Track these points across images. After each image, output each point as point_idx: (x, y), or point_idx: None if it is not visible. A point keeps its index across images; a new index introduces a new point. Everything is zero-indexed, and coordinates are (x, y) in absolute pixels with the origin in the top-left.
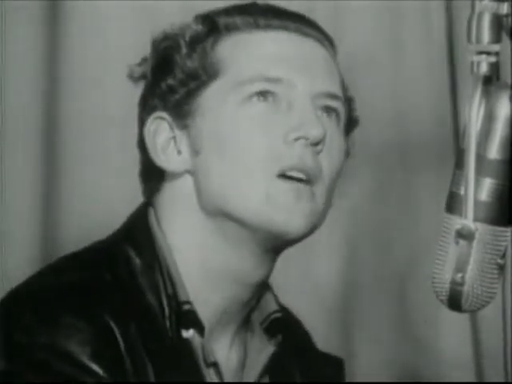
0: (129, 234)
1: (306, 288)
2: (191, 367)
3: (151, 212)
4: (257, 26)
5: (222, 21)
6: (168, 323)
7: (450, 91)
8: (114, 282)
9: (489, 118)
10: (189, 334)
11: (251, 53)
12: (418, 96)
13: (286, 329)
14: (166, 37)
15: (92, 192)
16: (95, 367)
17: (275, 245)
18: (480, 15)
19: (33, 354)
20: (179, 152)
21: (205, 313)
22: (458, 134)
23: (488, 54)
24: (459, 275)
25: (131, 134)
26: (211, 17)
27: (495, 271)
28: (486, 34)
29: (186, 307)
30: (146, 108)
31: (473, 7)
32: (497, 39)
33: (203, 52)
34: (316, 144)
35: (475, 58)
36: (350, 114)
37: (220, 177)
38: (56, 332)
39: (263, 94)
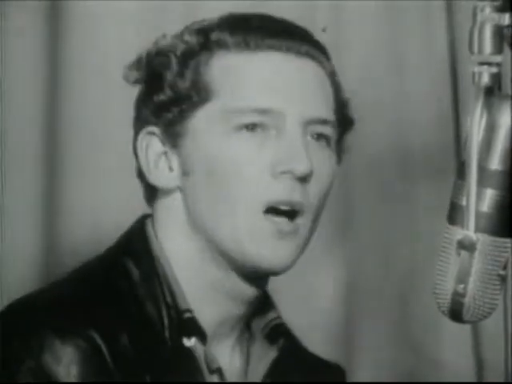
0: (127, 246)
1: (306, 300)
2: (194, 375)
3: (149, 223)
4: (247, 46)
5: (214, 36)
6: (167, 333)
7: (451, 102)
8: (110, 295)
9: (490, 129)
10: (191, 342)
11: (241, 79)
12: (419, 107)
13: (286, 334)
14: (158, 51)
15: (94, 205)
16: None
17: (260, 274)
18: (482, 26)
19: (18, 378)
20: (170, 168)
21: (203, 323)
22: (459, 145)
23: (489, 64)
24: (461, 286)
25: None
26: (204, 31)
27: (497, 282)
28: (488, 45)
29: (187, 315)
30: (139, 118)
31: (474, 18)
32: (498, 50)
33: (195, 71)
34: (303, 178)
35: (477, 69)
36: (343, 127)
37: (207, 203)
38: (41, 355)
39: (252, 126)
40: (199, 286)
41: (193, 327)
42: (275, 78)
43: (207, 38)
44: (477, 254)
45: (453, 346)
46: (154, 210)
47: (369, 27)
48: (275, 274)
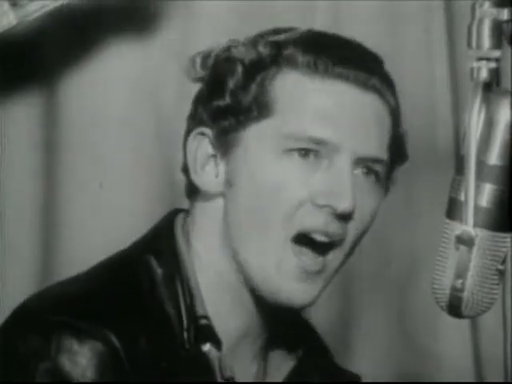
0: (152, 243)
1: None
2: (207, 380)
3: (178, 220)
4: (315, 70)
5: (287, 52)
6: (186, 335)
7: (450, 97)
8: (131, 292)
9: (489, 124)
10: (206, 347)
11: (302, 103)
12: (417, 102)
13: (306, 343)
14: (227, 57)
15: (91, 224)
16: None
17: (280, 307)
18: (480, 21)
19: (35, 379)
20: (217, 174)
21: (226, 330)
22: (458, 140)
23: (488, 59)
24: (459, 281)
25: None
26: (278, 45)
27: (495, 277)
28: (487, 40)
29: (203, 322)
30: (195, 117)
31: (473, 13)
32: (497, 45)
33: (260, 85)
34: (342, 216)
35: (475, 64)
36: (395, 162)
37: (240, 222)
38: (58, 356)
39: (305, 152)
40: (224, 295)
41: (207, 334)
42: (336, 109)
43: (280, 53)
44: (475, 248)
45: (452, 342)
46: (192, 207)
47: (368, 27)
48: (295, 309)
